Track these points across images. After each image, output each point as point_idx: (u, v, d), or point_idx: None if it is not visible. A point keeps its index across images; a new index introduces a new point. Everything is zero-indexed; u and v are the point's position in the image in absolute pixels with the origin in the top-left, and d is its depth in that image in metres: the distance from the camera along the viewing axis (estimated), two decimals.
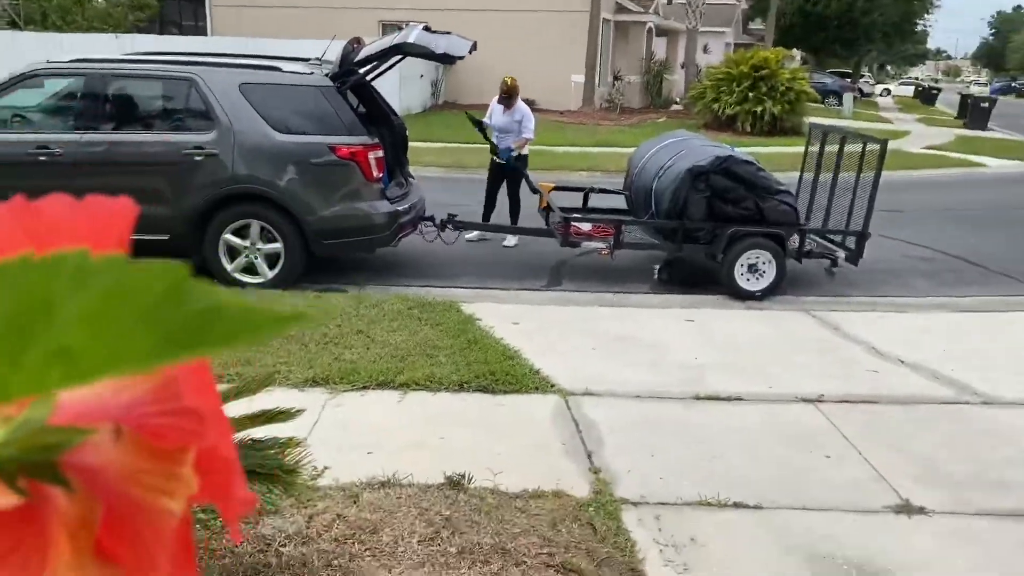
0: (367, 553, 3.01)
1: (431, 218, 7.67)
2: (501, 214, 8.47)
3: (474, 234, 8.48)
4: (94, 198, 0.26)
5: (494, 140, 8.50)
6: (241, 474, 0.27)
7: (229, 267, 6.65)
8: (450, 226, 7.70)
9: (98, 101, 6.74)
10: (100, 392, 0.25)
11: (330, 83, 6.66)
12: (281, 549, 2.98)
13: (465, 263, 7.88)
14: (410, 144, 7.97)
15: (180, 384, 0.25)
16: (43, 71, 6.76)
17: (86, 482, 0.25)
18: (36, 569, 0.26)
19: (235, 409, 2.50)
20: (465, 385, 4.63)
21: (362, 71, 7.03)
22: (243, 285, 6.54)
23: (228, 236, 6.62)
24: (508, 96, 8.34)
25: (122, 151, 6.51)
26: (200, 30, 26.45)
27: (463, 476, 3.55)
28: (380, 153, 6.74)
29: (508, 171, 8.39)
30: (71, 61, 6.88)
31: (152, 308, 0.18)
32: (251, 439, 2.43)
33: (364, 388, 4.54)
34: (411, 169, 7.97)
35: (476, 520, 3.26)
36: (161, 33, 24.11)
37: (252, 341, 0.20)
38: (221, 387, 2.33)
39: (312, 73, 6.79)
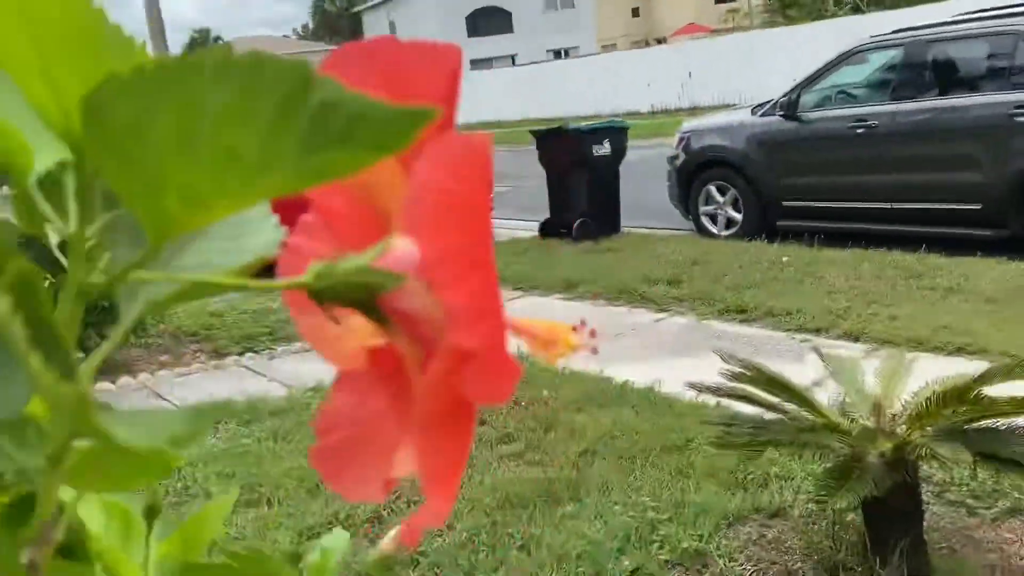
0: None
1: None
2: None
3: None
4: (424, 43, 0.27)
5: None
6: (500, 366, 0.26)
7: None
8: None
9: (915, 69, 6.68)
10: (412, 251, 0.26)
11: None
12: None
13: None
14: None
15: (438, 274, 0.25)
16: (866, 46, 7.02)
17: (404, 326, 0.27)
18: (407, 400, 0.30)
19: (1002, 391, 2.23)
20: None
21: None
22: None
23: None
24: None
25: (935, 118, 6.34)
26: None
27: None
28: None
29: None
30: (892, 32, 6.97)
31: (284, 101, 0.19)
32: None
33: None
34: None
35: None
36: None
37: (379, 138, 0.19)
38: (982, 366, 2.10)
39: None
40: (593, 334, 0.32)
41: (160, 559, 0.49)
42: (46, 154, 0.23)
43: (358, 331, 0.32)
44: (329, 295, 0.27)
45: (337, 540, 0.76)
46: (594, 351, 0.33)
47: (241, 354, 5.16)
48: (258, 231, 0.29)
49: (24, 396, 0.25)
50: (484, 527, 2.87)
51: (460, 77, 0.26)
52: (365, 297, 0.27)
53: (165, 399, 4.50)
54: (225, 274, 0.27)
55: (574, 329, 0.32)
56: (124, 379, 4.84)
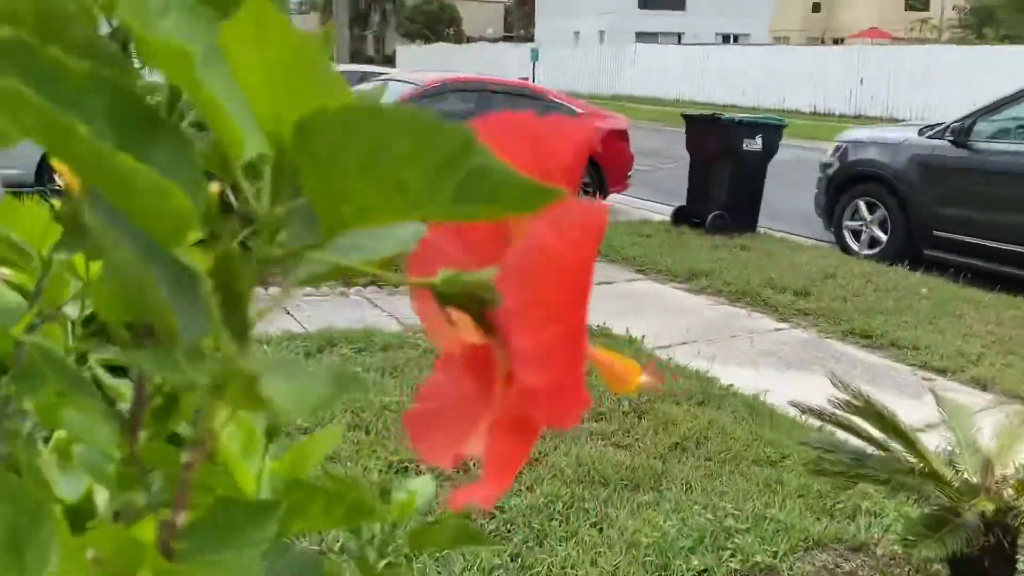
0: None
1: None
2: None
3: None
4: (574, 122, 0.31)
5: None
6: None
7: None
8: None
9: None
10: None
11: None
12: None
13: None
14: None
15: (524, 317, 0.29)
16: None
17: (503, 338, 0.32)
18: (490, 393, 0.34)
19: None
20: None
21: None
22: None
23: None
24: None
25: None
26: None
27: None
28: None
29: None
30: None
31: (449, 156, 0.24)
32: None
33: None
34: None
35: None
36: None
37: (514, 203, 0.24)
38: None
39: None
40: (660, 379, 0.37)
41: (272, 474, 0.56)
42: (250, 145, 0.29)
43: (463, 327, 0.37)
44: (450, 299, 0.32)
45: (424, 485, 0.83)
46: (656, 390, 0.37)
47: (366, 285, 5.39)
48: (407, 224, 0.34)
49: (203, 330, 0.32)
50: (562, 497, 2.94)
51: (589, 149, 0.31)
52: (478, 307, 0.32)
53: (290, 314, 4.77)
54: (373, 262, 0.32)
55: (643, 370, 0.37)
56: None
